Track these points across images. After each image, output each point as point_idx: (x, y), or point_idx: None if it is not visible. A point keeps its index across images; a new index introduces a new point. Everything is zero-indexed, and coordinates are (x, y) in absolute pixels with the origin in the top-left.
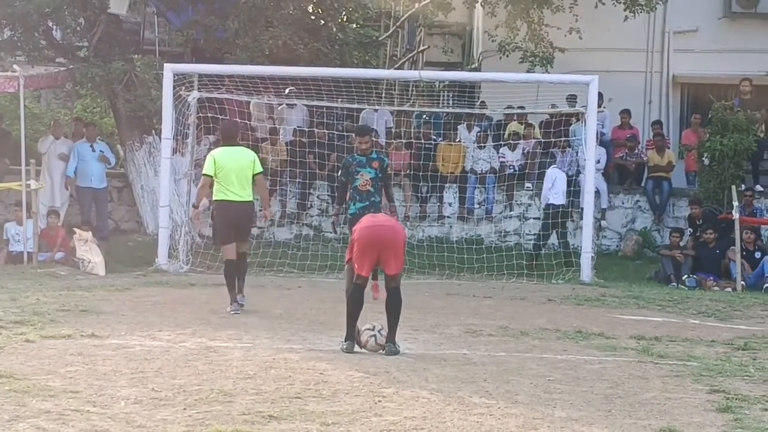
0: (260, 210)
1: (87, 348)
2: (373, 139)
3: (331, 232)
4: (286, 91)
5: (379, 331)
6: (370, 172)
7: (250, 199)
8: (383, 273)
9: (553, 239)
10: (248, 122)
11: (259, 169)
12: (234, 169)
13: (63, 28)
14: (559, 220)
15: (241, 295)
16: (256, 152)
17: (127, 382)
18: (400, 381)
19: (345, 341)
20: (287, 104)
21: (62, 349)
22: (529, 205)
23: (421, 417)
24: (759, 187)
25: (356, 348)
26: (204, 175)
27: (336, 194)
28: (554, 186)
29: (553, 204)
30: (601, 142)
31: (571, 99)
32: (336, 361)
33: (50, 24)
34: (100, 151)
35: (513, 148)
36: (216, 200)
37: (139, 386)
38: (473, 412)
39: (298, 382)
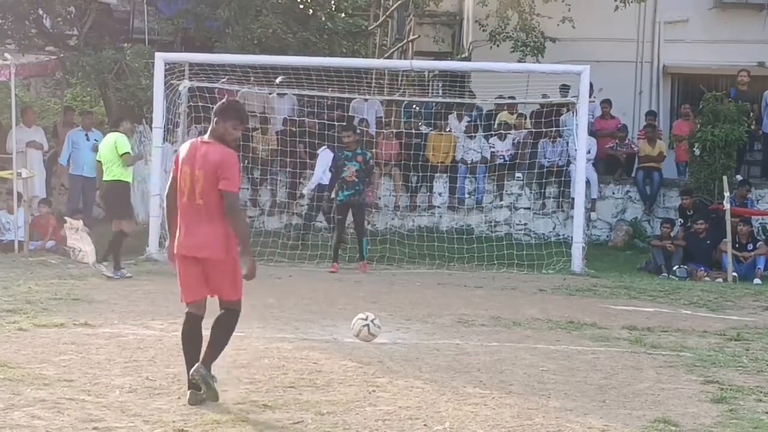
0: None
1: (80, 337)
2: (356, 134)
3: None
4: (278, 80)
5: (372, 321)
6: (355, 165)
7: (115, 178)
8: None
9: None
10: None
11: (121, 150)
12: (103, 153)
13: (53, 17)
14: (323, 202)
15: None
16: (247, 142)
17: (121, 370)
18: (393, 371)
19: (188, 389)
20: (278, 93)
21: (55, 337)
22: (519, 195)
23: (416, 407)
24: (738, 177)
25: (349, 337)
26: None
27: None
28: (325, 163)
29: (323, 184)
30: (590, 132)
31: (564, 89)
32: (329, 350)
33: (40, 12)
34: (95, 140)
35: (503, 138)
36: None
37: (133, 375)
38: (468, 402)
39: (292, 372)
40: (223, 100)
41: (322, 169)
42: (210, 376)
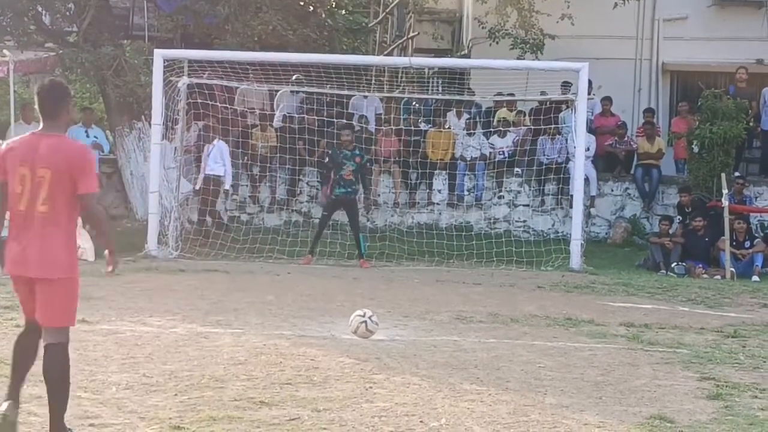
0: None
1: (77, 334)
2: (354, 133)
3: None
4: (294, 77)
5: (369, 318)
6: (352, 165)
7: None
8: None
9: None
10: (236, 108)
11: None
12: None
13: (52, 13)
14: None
15: None
16: (246, 139)
17: (118, 367)
18: (390, 367)
19: (5, 400)
20: (291, 90)
21: None
22: (519, 192)
23: (412, 403)
24: (737, 174)
25: (346, 334)
26: None
27: (322, 179)
28: (221, 156)
29: (212, 175)
30: (590, 129)
31: (566, 86)
32: (327, 347)
33: (39, 9)
34: (95, 137)
35: (503, 135)
36: None
37: (130, 372)
38: (464, 399)
39: (289, 369)
40: (50, 80)
41: (213, 160)
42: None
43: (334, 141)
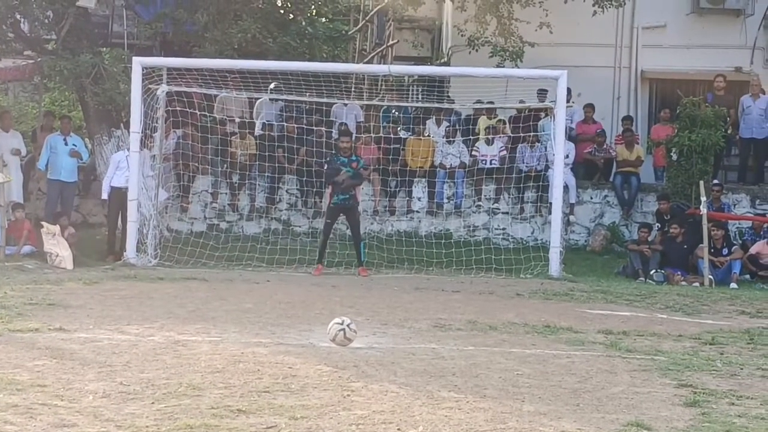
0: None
1: (55, 342)
2: (352, 140)
3: (301, 225)
4: (271, 85)
5: (348, 326)
6: (350, 172)
7: None
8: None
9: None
10: (216, 116)
11: None
12: None
13: (31, 21)
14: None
15: None
16: (226, 147)
17: (95, 375)
18: (368, 375)
19: None
20: (270, 98)
21: (30, 342)
22: (498, 199)
23: (390, 411)
24: (716, 181)
25: (325, 342)
26: None
27: (326, 179)
28: (119, 168)
29: (116, 187)
30: (569, 137)
31: (542, 93)
32: (304, 355)
33: (18, 16)
34: (73, 145)
35: (490, 143)
36: None
37: (107, 380)
38: (442, 406)
39: (267, 376)
40: None
41: (123, 172)
42: None
43: (314, 149)
